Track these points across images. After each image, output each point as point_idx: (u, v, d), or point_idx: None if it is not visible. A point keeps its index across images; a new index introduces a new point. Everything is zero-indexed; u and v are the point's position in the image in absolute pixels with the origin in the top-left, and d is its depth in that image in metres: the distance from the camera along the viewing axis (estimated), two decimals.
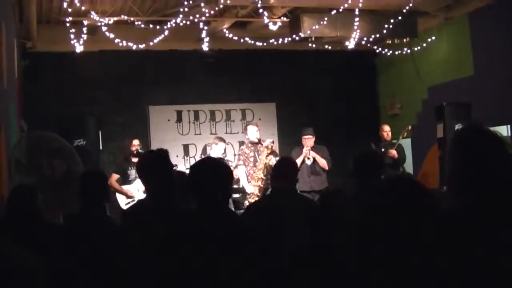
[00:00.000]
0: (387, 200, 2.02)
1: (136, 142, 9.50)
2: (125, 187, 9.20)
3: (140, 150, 9.36)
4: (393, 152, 9.44)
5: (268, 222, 4.09)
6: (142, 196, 8.82)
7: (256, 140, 9.04)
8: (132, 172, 9.25)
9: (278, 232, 3.89)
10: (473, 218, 2.16)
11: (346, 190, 3.74)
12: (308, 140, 9.23)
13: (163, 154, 4.00)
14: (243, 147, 9.37)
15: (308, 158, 9.16)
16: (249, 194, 8.65)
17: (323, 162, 9.21)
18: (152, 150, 4.13)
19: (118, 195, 9.13)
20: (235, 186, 8.89)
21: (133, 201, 9.01)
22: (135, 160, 9.35)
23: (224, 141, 9.44)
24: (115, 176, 9.23)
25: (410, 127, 9.79)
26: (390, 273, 1.86)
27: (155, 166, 3.92)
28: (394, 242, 1.92)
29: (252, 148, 9.10)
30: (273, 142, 9.11)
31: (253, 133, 9.09)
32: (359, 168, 4.61)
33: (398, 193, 2.07)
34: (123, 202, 9.13)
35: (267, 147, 8.81)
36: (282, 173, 4.95)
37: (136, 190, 9.15)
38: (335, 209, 3.15)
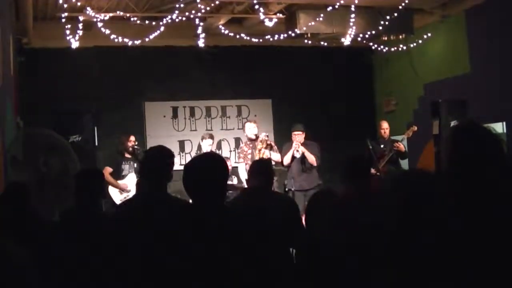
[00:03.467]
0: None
1: (132, 138, 9.48)
2: (119, 182, 9.20)
3: (136, 147, 9.36)
4: (401, 146, 9.45)
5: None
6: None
7: (254, 137, 9.08)
8: (126, 167, 9.26)
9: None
10: (470, 214, 2.17)
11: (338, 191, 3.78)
12: (298, 136, 9.19)
13: (169, 152, 4.06)
14: (242, 145, 9.44)
15: (297, 151, 9.11)
16: None
17: (311, 158, 9.14)
18: (161, 147, 4.17)
19: (111, 191, 9.07)
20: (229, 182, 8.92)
21: (128, 195, 9.02)
22: (128, 156, 9.38)
23: (212, 138, 9.49)
24: (109, 169, 9.17)
25: (416, 127, 9.72)
26: (391, 271, 1.87)
27: (161, 161, 3.97)
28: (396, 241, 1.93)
29: (250, 145, 9.15)
30: (267, 136, 9.14)
31: (250, 129, 9.14)
32: (348, 170, 4.75)
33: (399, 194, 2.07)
34: (117, 198, 9.09)
35: (261, 141, 8.84)
36: (256, 172, 5.02)
37: (130, 184, 9.16)
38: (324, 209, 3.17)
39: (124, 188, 9.13)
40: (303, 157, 9.15)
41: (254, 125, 9.16)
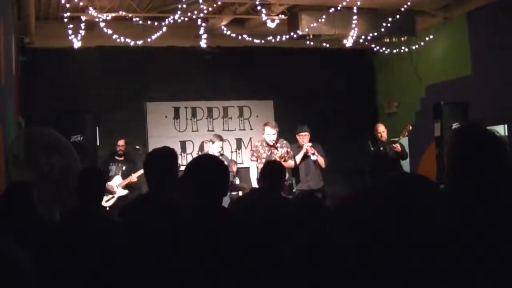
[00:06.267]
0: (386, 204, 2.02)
1: (121, 142, 9.78)
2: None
3: (124, 151, 9.70)
4: (398, 146, 9.43)
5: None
6: (121, 192, 9.43)
7: (271, 143, 8.72)
8: (113, 169, 9.59)
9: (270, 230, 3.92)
10: (471, 217, 2.17)
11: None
12: (305, 137, 9.05)
13: (174, 153, 4.06)
14: (258, 144, 8.96)
15: (313, 154, 8.96)
16: None
17: (321, 159, 9.08)
18: (165, 147, 4.15)
19: None
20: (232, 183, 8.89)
21: (112, 197, 9.40)
22: (118, 158, 9.68)
23: (221, 139, 9.33)
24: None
25: (410, 127, 9.70)
26: (391, 273, 1.87)
27: (165, 162, 3.96)
28: (395, 242, 1.93)
29: (266, 148, 8.74)
30: (287, 152, 8.80)
31: (269, 136, 8.69)
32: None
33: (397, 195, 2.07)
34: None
35: (280, 156, 8.55)
36: (265, 175, 5.05)
37: (115, 186, 9.34)
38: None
39: (110, 189, 9.28)
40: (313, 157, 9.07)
41: (274, 132, 8.69)
